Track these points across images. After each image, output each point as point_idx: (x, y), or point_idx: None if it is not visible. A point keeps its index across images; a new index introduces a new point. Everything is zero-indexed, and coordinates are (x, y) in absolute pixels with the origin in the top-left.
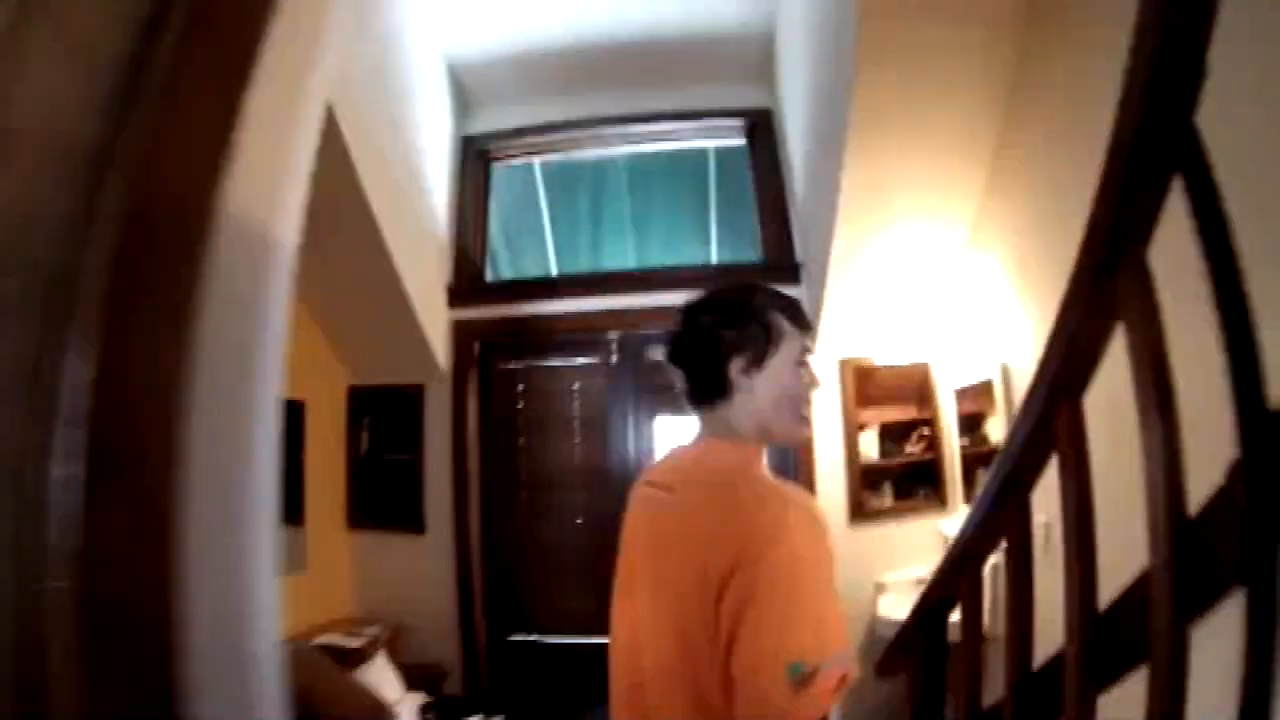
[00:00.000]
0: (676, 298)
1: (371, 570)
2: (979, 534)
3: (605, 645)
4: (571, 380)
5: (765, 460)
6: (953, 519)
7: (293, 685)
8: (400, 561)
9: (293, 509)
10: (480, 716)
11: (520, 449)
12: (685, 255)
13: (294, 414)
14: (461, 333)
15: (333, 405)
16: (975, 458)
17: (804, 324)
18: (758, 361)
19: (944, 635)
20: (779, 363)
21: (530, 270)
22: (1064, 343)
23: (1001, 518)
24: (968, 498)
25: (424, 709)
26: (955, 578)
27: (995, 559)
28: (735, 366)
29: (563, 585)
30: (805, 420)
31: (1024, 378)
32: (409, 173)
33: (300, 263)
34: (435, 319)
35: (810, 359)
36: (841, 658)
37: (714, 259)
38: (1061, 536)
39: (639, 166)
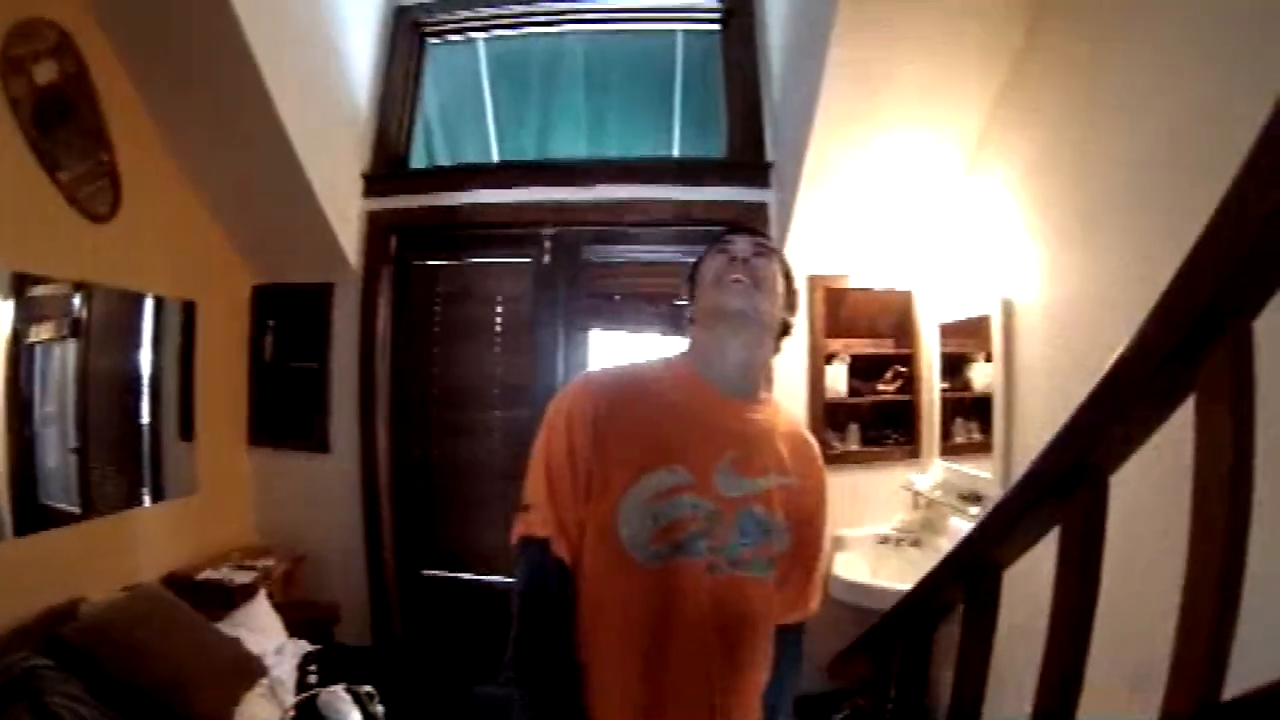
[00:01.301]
0: (626, 191)
1: (273, 493)
2: (1016, 523)
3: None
4: (497, 282)
5: (686, 354)
6: (925, 473)
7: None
8: (303, 484)
9: (185, 422)
10: (343, 686)
11: (436, 359)
12: (644, 148)
13: (186, 316)
14: (376, 225)
15: (233, 307)
16: (956, 404)
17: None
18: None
19: (927, 651)
20: (702, 270)
21: (468, 161)
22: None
23: (1059, 506)
24: (945, 449)
25: (306, 659)
26: (960, 581)
27: None
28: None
29: (480, 516)
30: (726, 282)
31: (1032, 315)
32: (320, 43)
33: (187, 144)
34: (346, 209)
35: (716, 248)
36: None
37: (674, 153)
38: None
39: (598, 50)
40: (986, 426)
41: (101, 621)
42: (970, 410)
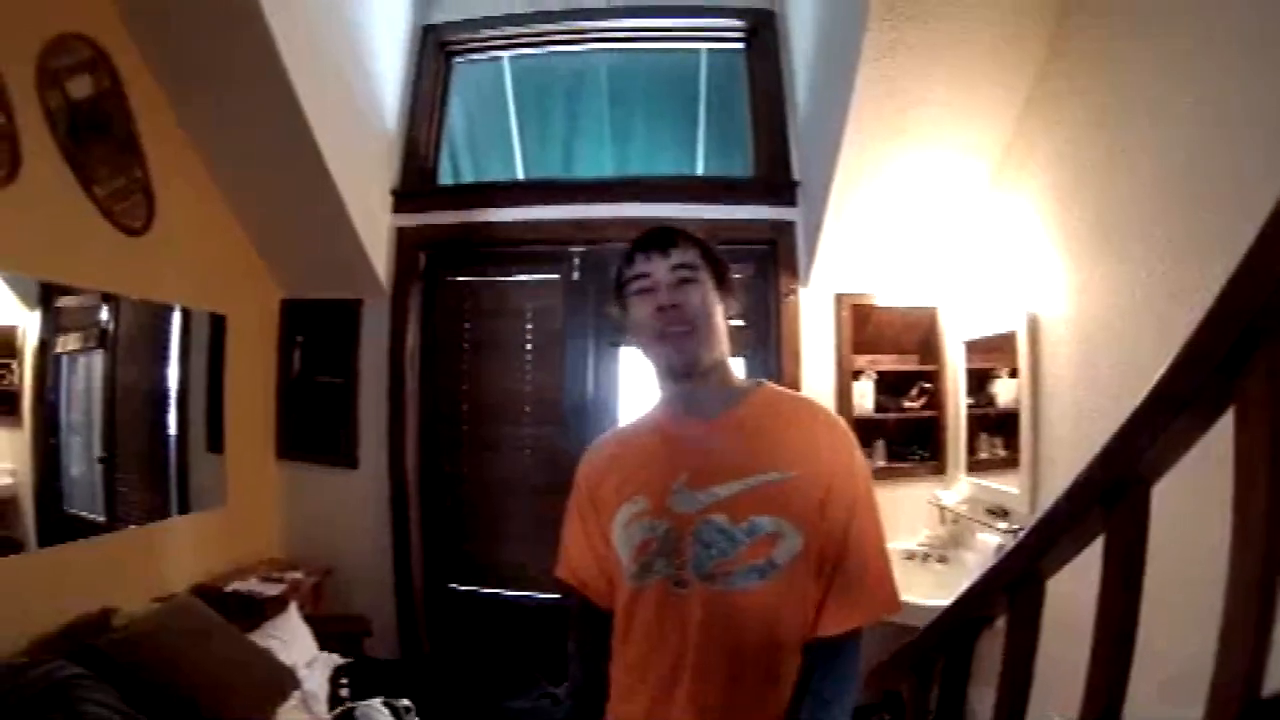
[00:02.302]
0: (652, 210)
1: (300, 507)
2: (1061, 534)
3: (554, 601)
4: (526, 298)
5: (662, 397)
6: (951, 489)
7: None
8: (331, 498)
9: (213, 435)
10: (380, 700)
11: (465, 375)
12: (668, 166)
13: (215, 329)
14: (406, 241)
15: (262, 321)
16: (980, 420)
17: (628, 259)
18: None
19: (969, 664)
20: (633, 315)
21: (494, 178)
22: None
23: (1104, 516)
24: (970, 465)
25: (338, 672)
26: (1005, 592)
27: None
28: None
29: (508, 531)
30: (664, 335)
31: (1058, 330)
32: (350, 61)
33: (220, 160)
34: (376, 225)
35: (636, 282)
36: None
37: (699, 171)
38: None
39: (621, 67)
40: (1010, 442)
41: (137, 632)
42: (994, 426)
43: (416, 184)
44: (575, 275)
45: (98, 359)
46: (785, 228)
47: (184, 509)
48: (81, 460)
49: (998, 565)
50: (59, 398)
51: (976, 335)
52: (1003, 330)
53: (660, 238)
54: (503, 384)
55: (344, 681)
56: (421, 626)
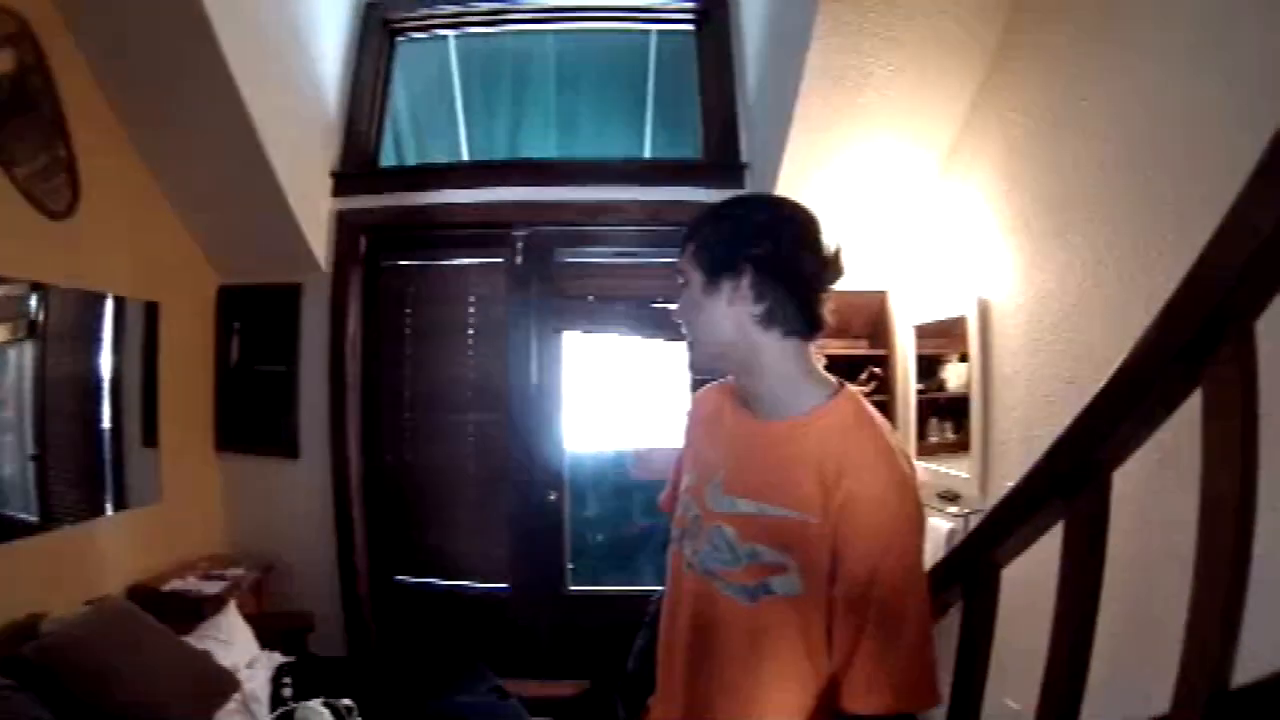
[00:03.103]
0: (598, 192)
1: (241, 501)
2: (1020, 522)
3: (500, 591)
4: (469, 283)
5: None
6: None
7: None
8: (272, 491)
9: (148, 428)
10: (320, 700)
11: (408, 361)
12: (616, 149)
13: (148, 317)
14: (346, 225)
15: (198, 308)
16: (929, 404)
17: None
18: None
19: None
20: None
21: (438, 160)
22: (1239, 235)
23: (1065, 504)
24: (920, 450)
25: (280, 672)
26: (959, 580)
27: None
28: None
29: (453, 521)
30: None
31: (1008, 314)
32: (290, 38)
33: (151, 141)
34: (315, 208)
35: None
36: None
37: (646, 153)
38: None
39: (570, 48)
40: (961, 426)
41: (64, 639)
42: (944, 410)
43: (357, 166)
44: (518, 259)
45: (27, 350)
46: None
47: (119, 506)
48: (13, 459)
49: (952, 554)
50: None
51: (926, 320)
52: (953, 315)
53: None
54: (446, 371)
55: (286, 681)
56: (368, 621)
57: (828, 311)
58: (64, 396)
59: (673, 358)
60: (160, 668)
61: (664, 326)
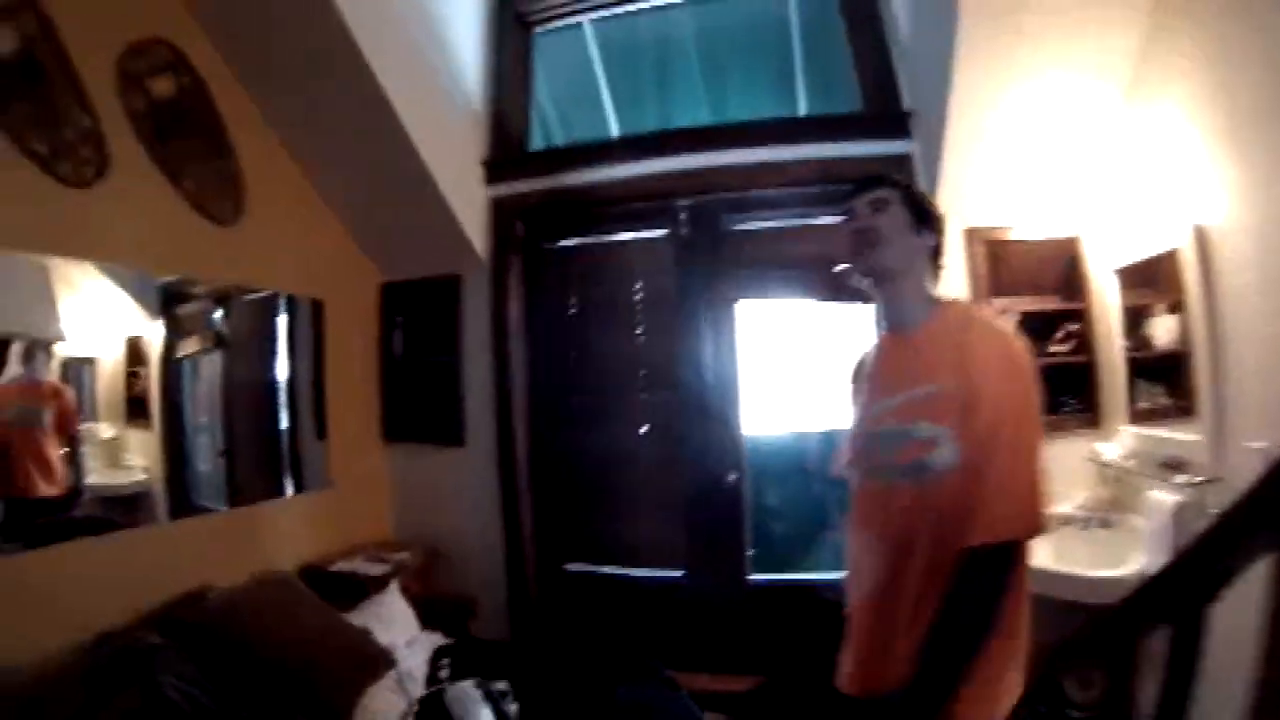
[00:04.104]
0: (759, 154)
1: (409, 489)
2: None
3: (674, 579)
4: (633, 259)
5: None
6: (1112, 442)
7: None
8: (440, 479)
9: (319, 421)
10: (474, 681)
11: (573, 344)
12: (768, 112)
13: (315, 317)
14: (501, 211)
15: (362, 306)
16: (1134, 366)
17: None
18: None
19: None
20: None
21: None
22: None
23: None
24: (1131, 415)
25: (438, 653)
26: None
27: None
28: None
29: (625, 506)
30: (857, 251)
31: (1234, 243)
32: (427, 38)
33: (307, 148)
34: (470, 198)
35: (845, 222)
36: None
37: (802, 110)
38: None
39: (707, 17)
40: (1175, 387)
41: (223, 604)
42: (1152, 371)
43: (507, 152)
44: (684, 231)
45: (215, 359)
46: (901, 162)
47: (293, 491)
48: (207, 456)
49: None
50: (183, 398)
51: (1128, 262)
52: (1159, 252)
53: (864, 182)
54: (613, 351)
55: (444, 662)
56: (535, 607)
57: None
58: (246, 397)
59: (854, 322)
60: (315, 639)
61: (843, 290)
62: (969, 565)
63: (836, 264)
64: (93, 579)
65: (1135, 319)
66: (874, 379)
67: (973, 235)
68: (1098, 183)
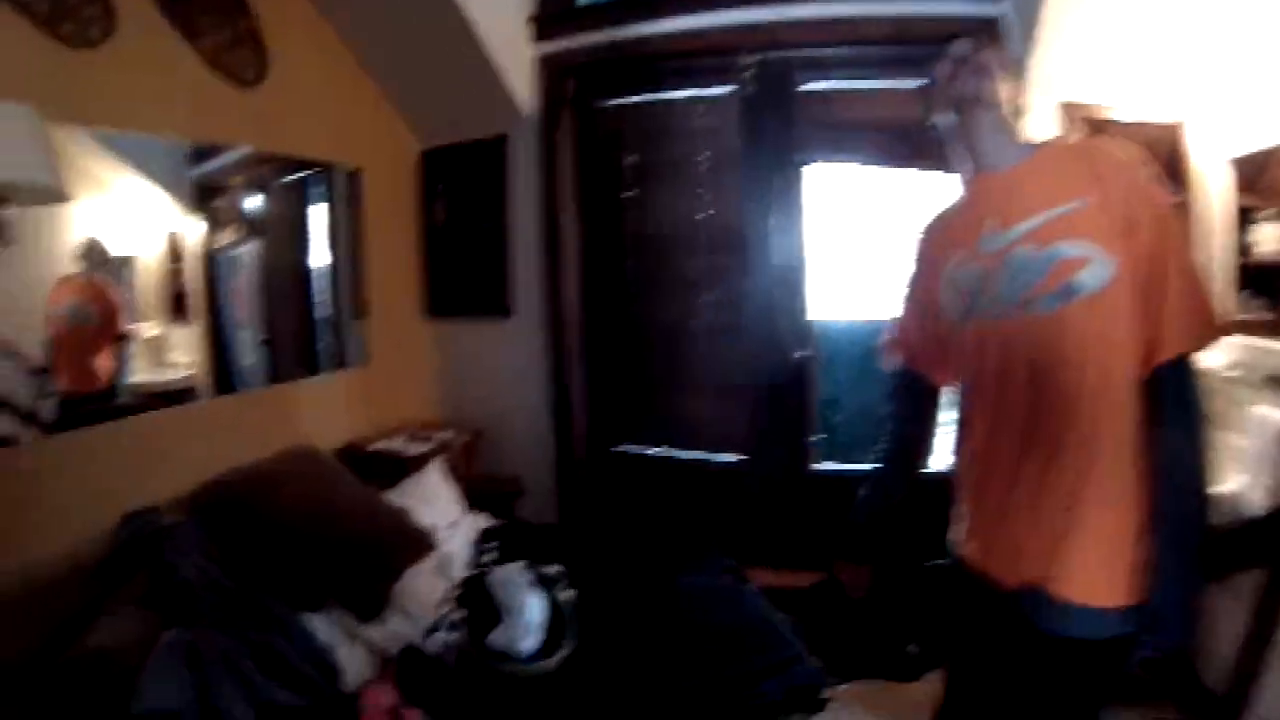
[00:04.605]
0: (832, 9)
1: (452, 366)
2: None
3: (734, 465)
4: (694, 118)
5: (967, 172)
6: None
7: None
8: (484, 354)
9: (358, 300)
10: (523, 564)
11: (628, 209)
12: None
13: (351, 187)
14: (550, 68)
15: (402, 174)
16: (1244, 270)
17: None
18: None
19: None
20: (937, 94)
21: None
22: None
23: None
24: (1235, 324)
25: (485, 535)
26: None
27: None
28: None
29: (684, 383)
30: (955, 76)
31: None
32: None
33: (340, 4)
34: (517, 56)
35: (938, 68)
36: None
37: None
38: None
39: None
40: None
41: (247, 477)
42: (1255, 280)
43: (557, 6)
44: (750, 89)
45: (252, 247)
46: (990, 26)
47: (331, 368)
48: (248, 345)
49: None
50: (223, 291)
51: (1236, 155)
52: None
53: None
54: (672, 216)
55: (490, 545)
56: (584, 491)
57: None
58: (284, 282)
59: (932, 191)
60: (347, 514)
61: (921, 154)
62: (1168, 384)
63: (915, 127)
64: (130, 460)
65: (1241, 221)
66: (980, 215)
67: (1070, 111)
68: (1207, 65)
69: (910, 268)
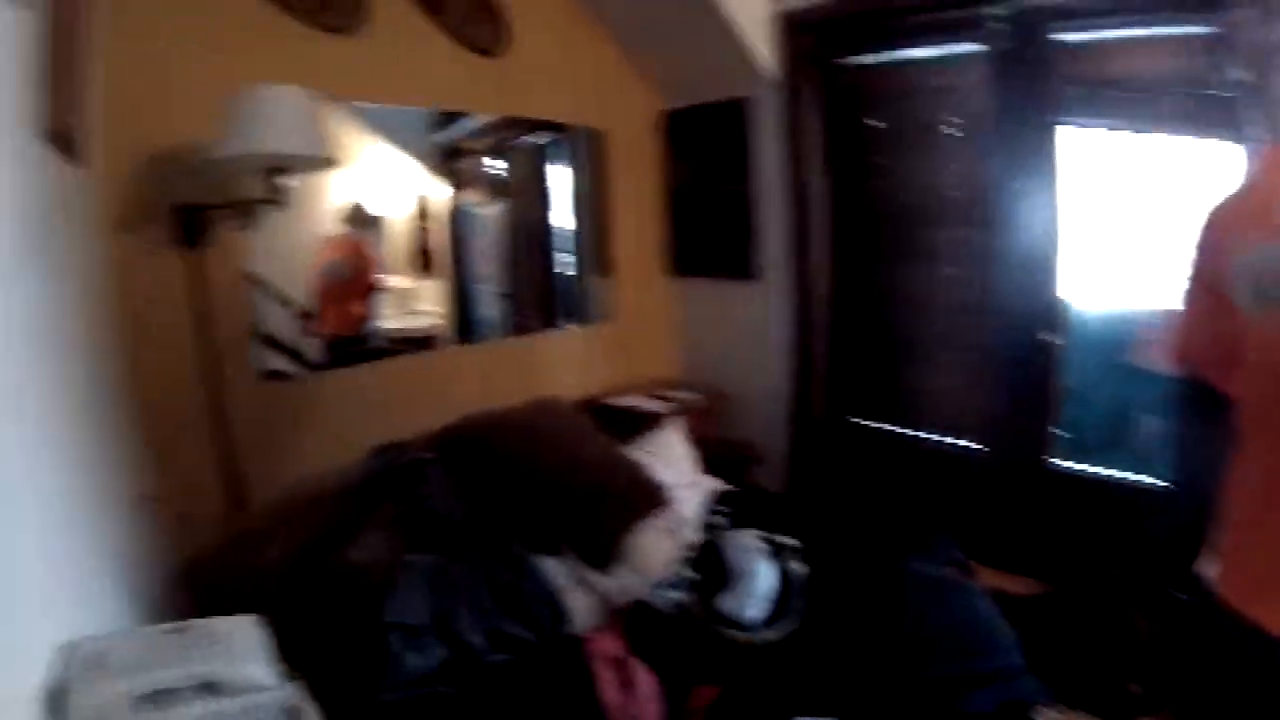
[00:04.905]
0: None
1: (695, 325)
2: None
3: (972, 452)
4: (937, 79)
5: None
6: None
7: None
8: (727, 316)
9: (601, 258)
10: (756, 533)
11: (874, 173)
12: None
13: (594, 149)
14: (791, 25)
15: (643, 135)
16: None
17: None
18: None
19: None
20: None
21: None
22: None
23: None
24: None
25: (717, 499)
26: None
27: None
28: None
29: (926, 359)
30: None
31: None
32: None
33: None
34: (754, 15)
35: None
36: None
37: None
38: None
39: None
40: None
41: (497, 420)
42: None
43: None
44: (1000, 44)
45: (496, 207)
46: None
47: (574, 322)
48: (489, 299)
49: None
50: (466, 248)
51: None
52: None
53: None
54: (915, 182)
55: (723, 509)
56: (817, 461)
57: None
58: (526, 240)
59: (1214, 164)
60: (589, 462)
61: (1211, 121)
62: None
63: (1195, 85)
64: (380, 397)
65: None
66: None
67: None
68: None
69: (1193, 257)
